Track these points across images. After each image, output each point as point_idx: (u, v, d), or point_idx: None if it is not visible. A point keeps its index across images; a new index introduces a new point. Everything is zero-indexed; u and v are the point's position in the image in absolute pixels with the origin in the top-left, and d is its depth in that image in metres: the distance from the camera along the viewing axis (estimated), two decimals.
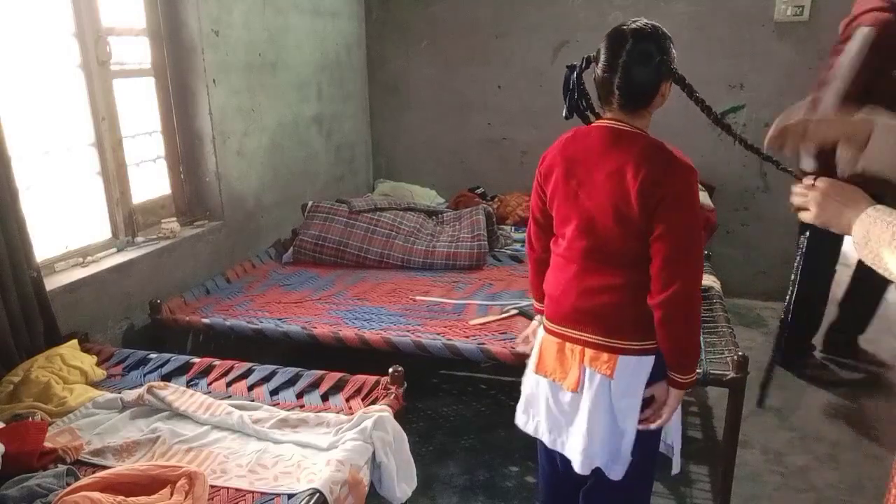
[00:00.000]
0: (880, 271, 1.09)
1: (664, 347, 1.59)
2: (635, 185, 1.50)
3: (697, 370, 1.95)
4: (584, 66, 1.64)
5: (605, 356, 1.60)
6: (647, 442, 1.67)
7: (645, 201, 1.50)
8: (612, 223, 1.56)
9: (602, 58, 1.55)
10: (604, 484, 1.70)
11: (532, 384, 1.81)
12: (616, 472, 1.66)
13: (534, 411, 1.81)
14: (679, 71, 1.55)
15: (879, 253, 1.09)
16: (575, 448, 1.68)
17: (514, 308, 2.75)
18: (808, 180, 1.27)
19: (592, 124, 1.65)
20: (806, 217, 1.26)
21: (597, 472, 1.68)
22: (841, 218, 1.19)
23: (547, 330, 1.74)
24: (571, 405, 1.69)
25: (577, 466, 1.68)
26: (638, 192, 1.50)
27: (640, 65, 1.51)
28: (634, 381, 1.61)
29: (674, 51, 1.55)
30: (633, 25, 1.53)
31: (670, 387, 1.62)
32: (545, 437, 1.78)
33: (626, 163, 1.53)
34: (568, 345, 1.66)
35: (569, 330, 1.66)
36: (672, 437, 1.78)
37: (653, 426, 1.64)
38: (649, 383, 1.62)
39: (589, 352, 1.62)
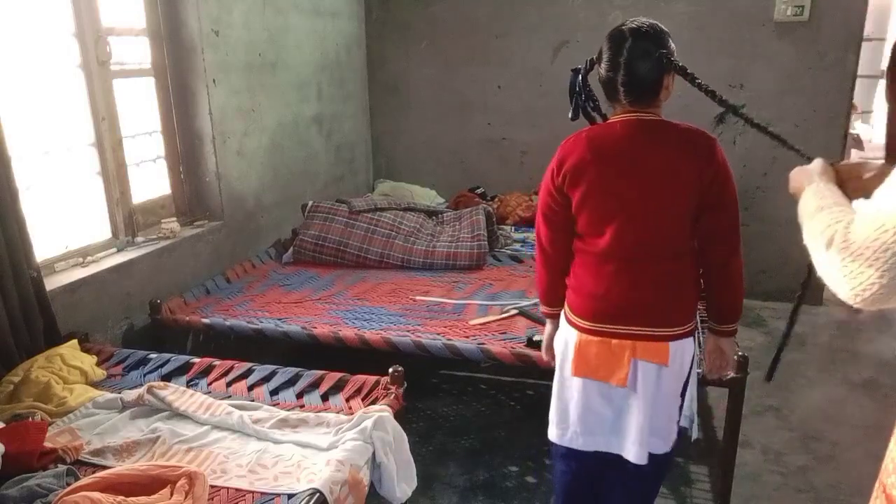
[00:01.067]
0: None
1: (722, 306, 1.74)
2: (692, 168, 1.58)
3: (697, 370, 1.98)
4: (588, 67, 1.68)
5: (656, 346, 1.64)
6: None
7: (700, 180, 1.58)
8: (665, 210, 1.62)
9: (604, 58, 1.60)
10: (631, 468, 1.75)
11: (564, 392, 1.79)
12: (660, 447, 1.74)
13: (569, 419, 1.80)
14: (680, 63, 1.58)
15: (803, 230, 1.13)
16: (631, 440, 1.71)
17: (514, 308, 2.75)
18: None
19: (612, 119, 1.67)
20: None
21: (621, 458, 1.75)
22: (798, 192, 1.26)
23: (584, 330, 1.71)
24: (621, 401, 1.71)
25: (633, 457, 1.71)
26: (696, 173, 1.58)
27: (640, 60, 1.55)
28: (683, 363, 1.69)
29: (672, 45, 1.59)
30: (632, 25, 1.59)
31: (723, 338, 1.77)
32: (579, 442, 1.78)
33: (673, 148, 1.60)
34: (614, 342, 1.67)
35: (615, 326, 1.67)
36: (691, 408, 1.85)
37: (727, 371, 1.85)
38: (691, 364, 1.73)
39: (639, 344, 1.65)
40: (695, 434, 1.90)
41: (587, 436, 1.77)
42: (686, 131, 1.62)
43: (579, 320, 1.72)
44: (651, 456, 1.72)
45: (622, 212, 1.63)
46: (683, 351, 1.68)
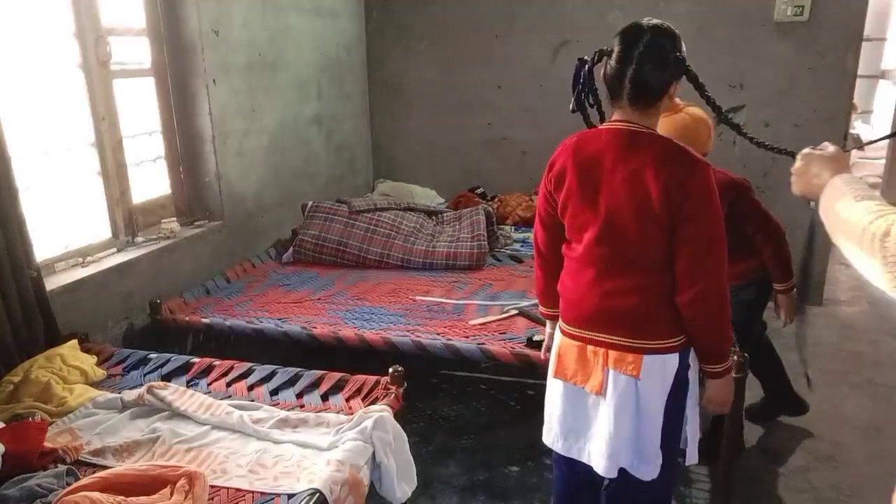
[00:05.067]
0: (833, 239, 1.10)
1: (698, 343, 1.61)
2: (657, 185, 1.51)
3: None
4: (595, 59, 1.63)
5: (629, 357, 1.60)
6: (669, 440, 1.68)
7: (668, 201, 1.50)
8: (632, 225, 1.56)
9: (616, 50, 1.55)
10: (628, 484, 1.69)
11: (549, 393, 1.80)
12: (646, 472, 1.66)
13: (552, 420, 1.79)
14: (693, 70, 1.56)
15: (831, 221, 1.11)
16: (598, 452, 1.67)
17: (514, 308, 2.75)
18: (807, 149, 1.29)
19: (602, 127, 1.64)
20: (793, 188, 1.30)
21: (620, 472, 1.68)
22: (813, 188, 1.22)
23: (565, 333, 1.72)
24: (593, 408, 1.68)
25: (602, 470, 1.67)
26: (661, 192, 1.50)
27: (655, 58, 1.52)
28: (661, 379, 1.61)
29: (685, 50, 1.56)
30: (651, 22, 1.55)
31: (711, 379, 1.64)
32: (559, 445, 1.77)
33: (646, 164, 1.53)
34: (590, 347, 1.66)
35: (590, 333, 1.65)
36: (688, 430, 1.77)
37: (722, 411, 1.74)
38: (675, 380, 1.63)
39: (613, 354, 1.62)
40: (692, 459, 1.80)
41: (564, 440, 1.76)
42: (671, 148, 1.55)
43: (562, 324, 1.74)
44: (637, 481, 1.67)
45: (595, 221, 1.60)
46: (664, 366, 1.61)
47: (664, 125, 2.08)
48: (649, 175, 1.52)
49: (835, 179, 1.16)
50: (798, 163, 1.29)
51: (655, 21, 1.55)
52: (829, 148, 1.27)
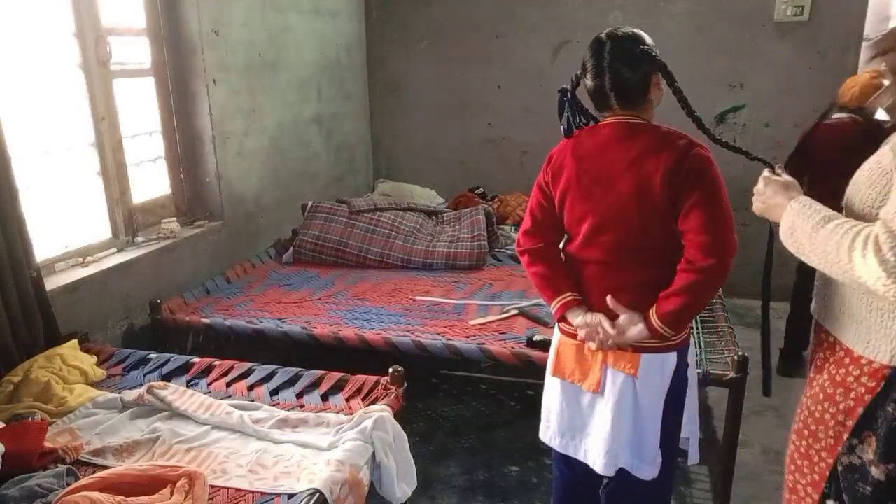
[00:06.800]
0: (803, 259, 1.16)
1: (673, 303, 1.53)
2: (660, 169, 1.52)
3: (697, 370, 1.96)
4: (575, 83, 1.67)
5: (628, 355, 1.60)
6: (669, 439, 1.68)
7: (671, 182, 1.51)
8: (634, 214, 1.56)
9: (588, 67, 1.59)
10: (627, 483, 1.69)
11: (547, 391, 1.80)
12: (647, 472, 1.66)
13: (549, 417, 1.79)
14: (668, 65, 1.56)
15: (802, 243, 1.17)
16: (596, 450, 1.67)
17: (514, 308, 2.75)
18: (766, 172, 1.37)
19: (601, 122, 1.65)
20: (754, 208, 1.37)
21: (620, 471, 1.68)
22: (772, 209, 1.29)
23: (564, 332, 1.72)
24: (590, 407, 1.69)
25: (600, 468, 1.67)
26: (663, 174, 1.51)
27: (624, 58, 1.54)
28: (659, 378, 1.62)
29: (652, 42, 1.58)
30: (608, 31, 1.59)
31: (644, 324, 1.56)
32: (556, 442, 1.77)
33: (646, 150, 1.54)
34: (587, 345, 1.66)
35: None
36: (688, 430, 1.77)
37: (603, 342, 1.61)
38: (674, 379, 1.63)
39: (611, 352, 1.62)
40: (694, 459, 1.80)
41: (561, 437, 1.76)
42: (666, 135, 1.56)
43: (561, 322, 1.74)
44: (637, 480, 1.67)
45: (594, 214, 1.61)
46: (663, 365, 1.61)
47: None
48: (649, 161, 1.53)
49: (793, 204, 1.22)
50: (759, 184, 1.37)
51: (610, 29, 1.59)
52: (785, 175, 1.35)
